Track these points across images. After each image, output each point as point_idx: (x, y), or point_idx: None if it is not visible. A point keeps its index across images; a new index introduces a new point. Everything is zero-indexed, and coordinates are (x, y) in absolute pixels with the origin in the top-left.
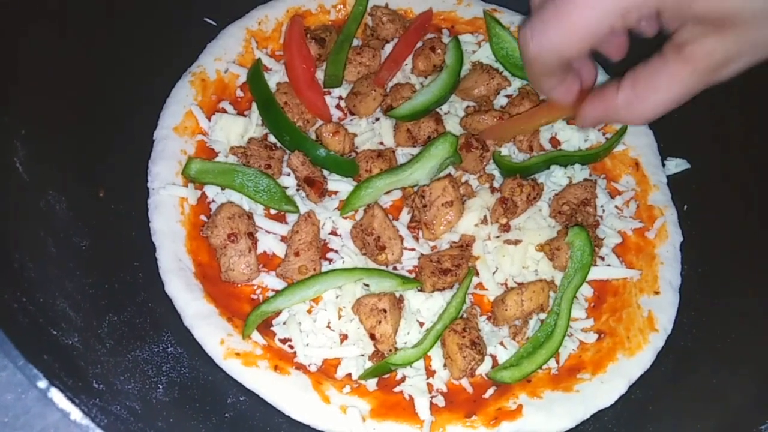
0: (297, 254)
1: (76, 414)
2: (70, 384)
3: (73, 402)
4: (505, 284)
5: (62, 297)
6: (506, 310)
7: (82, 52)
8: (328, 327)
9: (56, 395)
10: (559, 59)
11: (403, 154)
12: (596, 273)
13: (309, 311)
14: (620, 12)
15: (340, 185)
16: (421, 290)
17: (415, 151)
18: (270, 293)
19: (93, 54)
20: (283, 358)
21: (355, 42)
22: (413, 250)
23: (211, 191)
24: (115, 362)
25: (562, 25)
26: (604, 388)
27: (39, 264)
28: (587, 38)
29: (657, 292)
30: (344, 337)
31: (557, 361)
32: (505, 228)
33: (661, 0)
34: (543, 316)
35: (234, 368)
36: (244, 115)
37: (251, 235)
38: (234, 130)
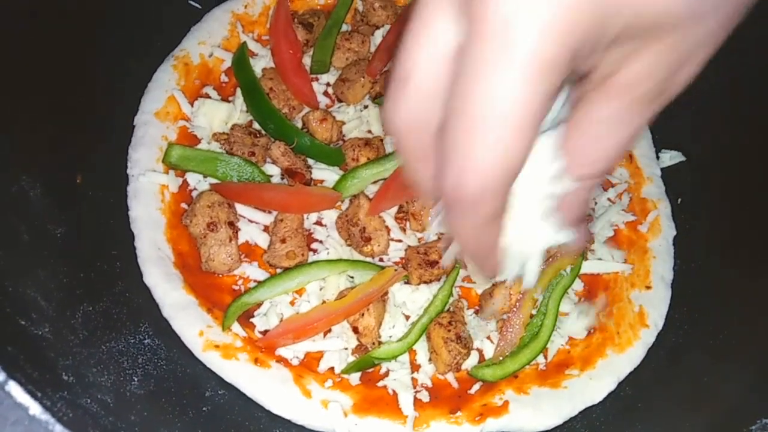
0: (283, 241)
1: (35, 409)
2: (35, 376)
3: (33, 396)
4: None
5: (34, 286)
6: (494, 303)
7: (59, 32)
8: None
9: (14, 388)
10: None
11: (391, 142)
12: (587, 267)
13: (292, 303)
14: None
15: (325, 174)
16: (407, 282)
17: None
18: (252, 284)
19: (71, 34)
20: (263, 351)
21: (344, 27)
22: (400, 241)
23: (192, 178)
24: (88, 354)
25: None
26: (593, 385)
27: (9, 252)
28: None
29: (649, 287)
30: (327, 330)
31: (545, 357)
32: None
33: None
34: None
35: (213, 361)
36: (229, 101)
37: (232, 225)
38: (217, 116)
